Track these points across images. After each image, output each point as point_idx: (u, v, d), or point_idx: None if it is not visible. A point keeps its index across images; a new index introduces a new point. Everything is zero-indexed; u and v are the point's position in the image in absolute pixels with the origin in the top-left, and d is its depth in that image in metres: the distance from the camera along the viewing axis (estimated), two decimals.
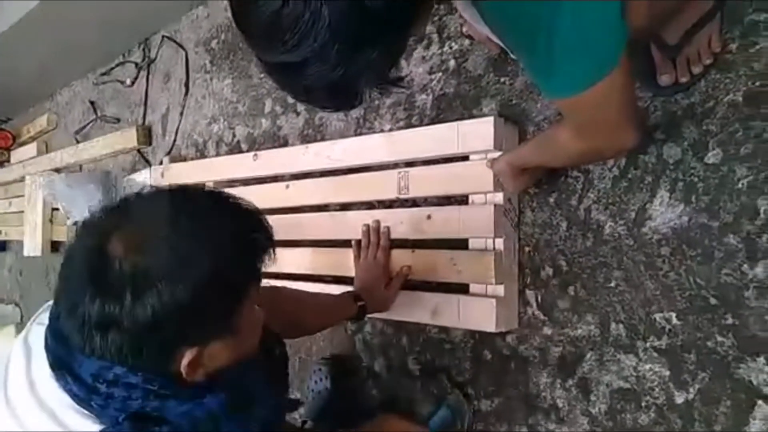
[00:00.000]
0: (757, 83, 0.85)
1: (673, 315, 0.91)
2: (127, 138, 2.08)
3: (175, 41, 1.97)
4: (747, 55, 0.86)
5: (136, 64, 2.14)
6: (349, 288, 1.13)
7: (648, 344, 0.93)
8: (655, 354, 0.92)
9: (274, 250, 0.60)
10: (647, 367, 0.93)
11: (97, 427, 0.53)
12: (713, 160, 0.89)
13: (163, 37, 2.01)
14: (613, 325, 0.97)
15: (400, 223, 1.16)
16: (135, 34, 2.10)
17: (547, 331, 1.04)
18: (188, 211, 0.56)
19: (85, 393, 0.53)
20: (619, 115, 0.67)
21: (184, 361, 0.54)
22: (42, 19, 1.91)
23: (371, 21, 0.51)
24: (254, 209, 0.61)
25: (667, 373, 0.91)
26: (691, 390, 0.89)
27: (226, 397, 0.57)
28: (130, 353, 0.52)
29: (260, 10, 0.51)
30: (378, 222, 1.20)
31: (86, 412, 0.54)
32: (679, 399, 0.90)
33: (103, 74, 2.32)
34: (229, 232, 0.57)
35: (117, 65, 2.25)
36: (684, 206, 0.91)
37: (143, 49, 2.11)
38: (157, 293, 0.50)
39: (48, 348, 0.57)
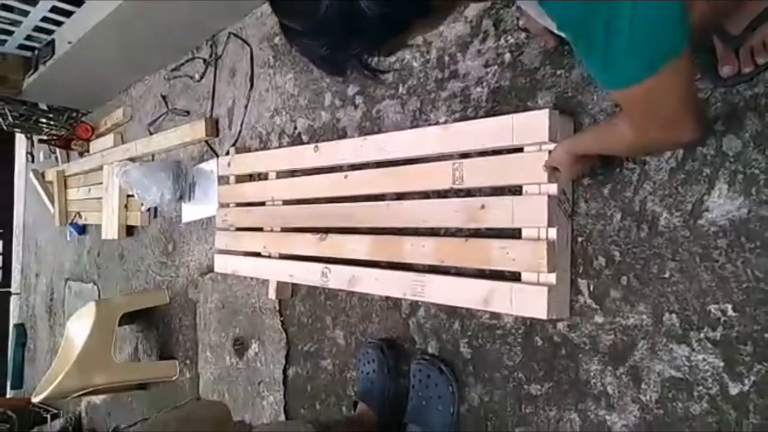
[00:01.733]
0: None
1: (729, 306, 0.91)
2: (196, 130, 2.21)
3: (240, 38, 2.07)
4: None
5: (204, 60, 2.26)
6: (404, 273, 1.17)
7: (702, 335, 0.93)
8: (710, 345, 0.93)
9: None
10: (700, 357, 0.93)
11: None
12: None
13: (229, 34, 2.12)
14: (666, 315, 0.98)
15: (454, 212, 1.20)
16: (203, 31, 2.22)
17: (599, 319, 1.06)
18: None
19: None
20: (678, 109, 0.66)
21: None
22: (118, 21, 2.06)
23: (362, 19, 0.58)
24: None
25: (722, 364, 0.91)
26: (746, 381, 0.89)
27: None
28: None
29: None
30: None
31: None
32: (734, 390, 0.90)
33: (174, 70, 2.46)
34: None
35: (186, 61, 2.39)
36: (743, 198, 0.91)
37: (211, 46, 2.23)
38: None
39: None
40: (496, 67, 1.26)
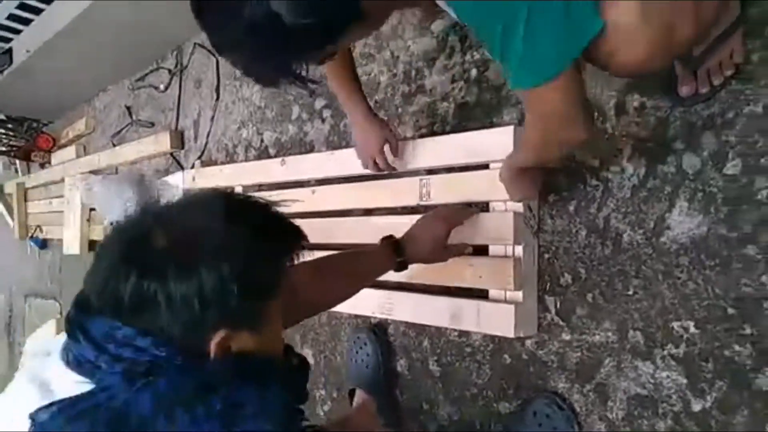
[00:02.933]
0: None
1: (691, 324, 0.92)
2: (161, 142, 2.17)
3: (206, 48, 2.04)
4: None
5: (170, 71, 2.22)
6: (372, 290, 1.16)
7: (665, 352, 0.94)
8: (673, 362, 0.93)
9: (301, 250, 0.65)
10: (664, 374, 0.94)
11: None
12: (732, 171, 0.89)
13: (195, 44, 2.08)
14: (630, 333, 0.98)
15: None
16: (168, 41, 2.18)
17: (566, 336, 1.06)
18: (225, 209, 0.60)
19: (94, 353, 0.56)
20: (568, 112, 0.69)
21: (214, 341, 0.56)
22: (80, 29, 2.00)
23: (283, 32, 0.58)
24: (285, 214, 0.65)
25: (685, 381, 0.92)
26: (708, 398, 0.90)
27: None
28: (162, 328, 0.54)
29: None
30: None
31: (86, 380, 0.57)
32: (696, 407, 0.91)
33: (138, 80, 2.41)
34: (263, 229, 0.61)
35: (151, 71, 2.34)
36: (703, 216, 0.92)
37: (176, 56, 2.19)
38: (198, 274, 0.54)
39: (67, 317, 0.60)
40: (462, 82, 1.26)
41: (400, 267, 1.00)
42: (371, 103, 1.43)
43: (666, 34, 0.63)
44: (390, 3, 0.74)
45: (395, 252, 0.99)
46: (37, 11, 2.10)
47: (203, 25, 0.66)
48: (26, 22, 2.19)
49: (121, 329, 0.55)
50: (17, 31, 2.28)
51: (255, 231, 0.59)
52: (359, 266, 1.00)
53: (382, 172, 1.24)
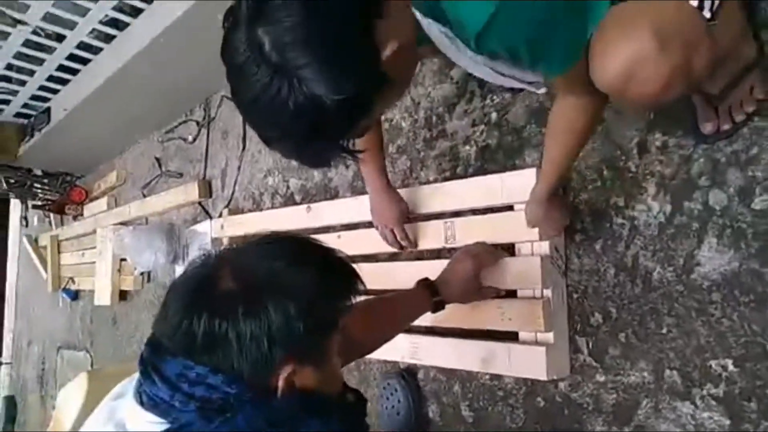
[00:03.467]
0: None
1: (729, 362, 0.90)
2: (189, 191, 2.23)
3: (233, 100, 2.11)
4: None
5: (198, 123, 2.31)
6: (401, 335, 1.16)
7: (705, 392, 0.92)
8: (713, 402, 0.91)
9: (359, 291, 0.68)
10: (705, 415, 0.91)
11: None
12: (761, 206, 0.89)
13: (222, 97, 2.17)
14: (667, 372, 0.96)
15: None
16: (196, 94, 2.27)
17: (600, 378, 1.04)
18: (289, 251, 0.65)
19: (168, 393, 0.58)
20: (583, 77, 0.74)
21: (282, 376, 0.59)
22: (114, 86, 2.10)
23: (325, 112, 0.62)
24: (345, 257, 0.69)
25: (728, 422, 0.89)
26: None
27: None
28: (233, 366, 0.57)
29: (242, 96, 0.65)
30: None
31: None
32: None
33: (167, 132, 2.51)
34: (324, 270, 0.65)
35: (180, 124, 2.43)
36: (734, 252, 0.91)
37: (204, 108, 2.28)
38: (267, 313, 0.57)
39: (141, 359, 0.63)
40: (483, 126, 1.29)
41: (437, 307, 1.04)
42: (394, 149, 1.47)
43: (681, 62, 0.66)
44: (409, 63, 0.77)
45: (431, 293, 1.03)
46: (74, 72, 2.22)
47: (251, 122, 0.69)
48: (64, 82, 2.32)
49: (194, 368, 0.57)
50: (56, 91, 2.41)
51: (317, 271, 0.63)
52: (400, 308, 1.04)
53: (400, 243, 1.28)
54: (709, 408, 0.91)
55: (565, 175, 0.95)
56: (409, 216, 1.29)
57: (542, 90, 0.99)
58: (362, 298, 0.99)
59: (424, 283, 1.05)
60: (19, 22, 1.74)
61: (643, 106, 0.80)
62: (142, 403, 0.61)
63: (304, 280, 0.61)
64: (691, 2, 0.67)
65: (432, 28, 0.75)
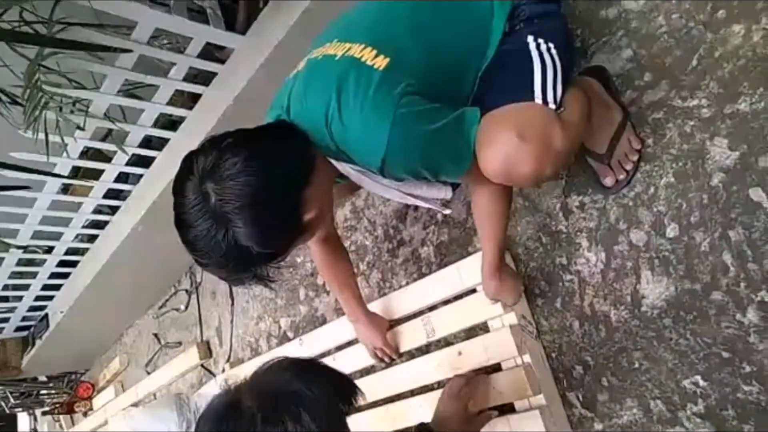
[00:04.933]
0: (680, 163, 1.02)
1: (699, 378, 0.98)
2: (191, 357, 2.30)
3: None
4: (663, 144, 1.05)
5: (187, 291, 2.44)
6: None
7: (688, 412, 0.98)
8: (699, 419, 0.97)
9: (360, 399, 0.80)
10: None
11: None
12: (673, 234, 1.03)
13: None
14: (652, 403, 1.03)
15: (437, 365, 1.28)
16: (180, 266, 2.43)
17: (598, 426, 1.09)
18: (299, 369, 0.77)
19: None
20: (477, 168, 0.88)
21: None
22: (103, 280, 2.25)
23: (250, 257, 0.79)
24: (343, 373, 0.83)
25: None
26: None
27: None
28: None
29: (185, 229, 0.81)
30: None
31: None
32: None
33: (160, 308, 2.63)
34: (330, 383, 0.78)
35: (170, 296, 2.56)
36: (667, 278, 1.03)
37: (189, 276, 2.43)
38: (284, 423, 0.68)
39: None
40: (433, 226, 1.44)
41: None
42: (365, 265, 1.61)
43: (541, 146, 0.84)
44: (324, 219, 0.93)
45: None
46: (66, 276, 2.39)
47: (188, 248, 0.85)
48: (57, 287, 2.47)
49: None
50: (51, 298, 2.55)
51: (323, 384, 0.75)
52: None
53: (389, 359, 1.41)
54: (697, 426, 0.97)
55: (502, 247, 1.08)
56: (391, 323, 1.40)
57: (447, 211, 1.18)
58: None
59: (422, 428, 1.09)
60: (10, 245, 1.93)
61: (529, 184, 0.95)
62: None
63: (311, 388, 0.73)
64: (537, 101, 0.86)
65: (345, 167, 0.92)
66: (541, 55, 0.90)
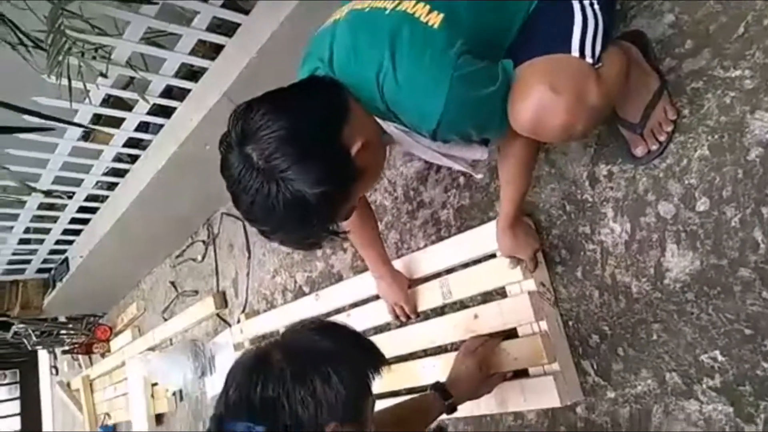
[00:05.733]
0: (716, 136, 0.99)
1: (717, 353, 0.98)
2: (206, 306, 2.35)
3: (232, 215, 2.29)
4: (699, 116, 1.01)
5: (204, 242, 2.47)
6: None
7: (704, 386, 0.99)
8: (714, 393, 0.98)
9: (385, 362, 0.81)
10: (710, 407, 0.98)
11: None
12: (703, 208, 1.01)
13: (221, 214, 2.35)
14: (667, 375, 1.04)
15: (452, 327, 1.29)
16: (198, 217, 2.45)
17: (611, 394, 1.11)
18: (328, 331, 0.79)
19: None
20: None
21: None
22: (122, 228, 2.29)
23: (309, 205, 0.76)
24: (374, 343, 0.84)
25: (731, 409, 0.96)
26: (758, 420, 0.93)
27: None
28: (287, 425, 0.68)
29: (242, 201, 0.79)
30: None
31: None
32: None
33: (178, 257, 2.67)
34: (356, 346, 0.79)
35: (188, 247, 2.60)
36: (693, 253, 1.02)
37: (207, 228, 2.45)
38: (312, 382, 0.69)
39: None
40: (454, 190, 1.43)
41: (450, 410, 1.10)
42: (383, 226, 1.61)
43: (573, 100, 0.82)
44: (376, 153, 0.91)
45: (443, 396, 1.10)
46: (86, 221, 2.42)
47: (249, 223, 0.83)
48: (78, 232, 2.51)
49: (254, 429, 0.68)
50: (71, 242, 2.60)
51: (350, 345, 0.78)
52: (417, 414, 1.11)
53: (405, 317, 1.42)
54: (711, 400, 0.98)
55: (520, 199, 1.08)
56: (410, 284, 1.40)
57: (479, 175, 1.15)
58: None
59: (436, 386, 1.12)
60: (33, 189, 1.95)
61: (558, 140, 0.93)
62: None
63: (341, 351, 0.75)
64: (573, 54, 0.83)
65: (389, 126, 0.90)
66: (583, 9, 0.87)
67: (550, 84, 0.81)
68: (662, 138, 1.05)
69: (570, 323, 1.19)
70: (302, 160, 0.75)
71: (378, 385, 1.43)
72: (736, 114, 0.97)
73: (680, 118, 1.04)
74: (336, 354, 0.74)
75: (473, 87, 0.81)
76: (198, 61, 1.56)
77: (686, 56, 1.03)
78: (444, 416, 1.11)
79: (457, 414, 1.27)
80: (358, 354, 0.77)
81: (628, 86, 1.01)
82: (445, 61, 0.79)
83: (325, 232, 0.83)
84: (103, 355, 3.40)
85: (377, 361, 0.80)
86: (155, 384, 2.70)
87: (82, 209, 2.30)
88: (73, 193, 2.16)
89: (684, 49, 1.03)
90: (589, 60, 0.84)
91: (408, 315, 1.42)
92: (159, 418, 2.77)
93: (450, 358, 1.30)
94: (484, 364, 1.15)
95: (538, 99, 0.81)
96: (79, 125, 1.68)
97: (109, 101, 1.70)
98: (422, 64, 0.79)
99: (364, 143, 0.81)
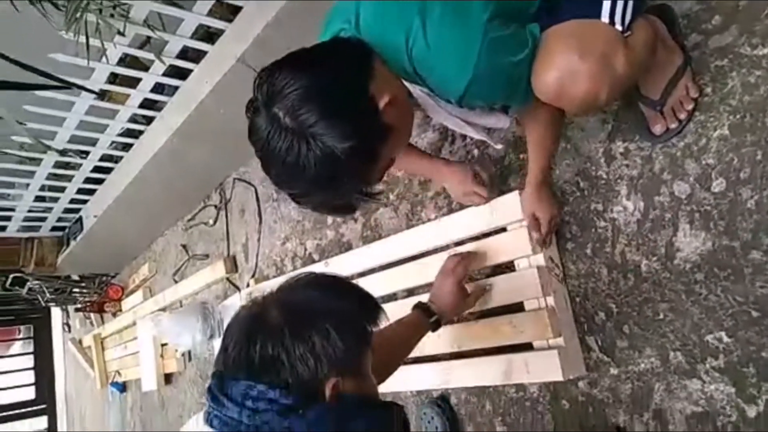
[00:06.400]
0: (738, 116, 0.98)
1: (723, 334, 0.98)
2: (217, 270, 2.38)
3: (244, 180, 2.30)
4: (722, 94, 1.00)
5: (216, 206, 2.49)
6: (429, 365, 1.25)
7: (708, 365, 0.99)
8: (717, 374, 0.98)
9: (382, 316, 0.81)
10: (713, 387, 0.98)
11: None
12: (719, 188, 1.00)
13: (234, 179, 2.36)
14: (671, 354, 1.04)
15: None
16: (211, 181, 2.47)
17: (614, 371, 1.12)
18: (323, 284, 0.78)
19: (237, 410, 0.68)
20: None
21: (328, 386, 0.70)
22: (136, 189, 2.31)
23: (340, 163, 0.74)
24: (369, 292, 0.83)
25: (733, 390, 0.96)
26: (760, 402, 0.93)
27: None
28: (287, 381, 0.68)
29: (272, 164, 0.78)
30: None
31: None
32: (751, 413, 0.94)
33: (189, 220, 2.69)
34: (354, 299, 0.79)
35: (200, 210, 2.62)
36: (705, 233, 1.01)
37: (219, 193, 2.47)
38: (311, 337, 0.69)
39: (209, 389, 0.73)
40: (468, 162, 1.42)
41: (435, 326, 1.16)
42: (394, 196, 1.61)
43: (600, 67, 0.80)
44: (404, 110, 0.88)
45: (427, 314, 1.16)
46: (100, 181, 2.44)
47: (280, 187, 0.83)
48: (92, 192, 2.54)
49: (255, 387, 0.68)
50: (85, 201, 2.63)
51: (347, 298, 0.77)
52: (405, 333, 1.16)
53: (486, 198, 1.28)
54: (714, 380, 0.98)
55: (548, 162, 1.09)
56: (416, 256, 1.39)
57: (500, 146, 1.13)
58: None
59: (419, 305, 1.17)
60: (49, 147, 1.96)
61: (580, 109, 0.92)
62: (212, 426, 0.71)
63: (338, 305, 0.75)
64: (603, 19, 0.82)
65: (415, 89, 0.90)
66: None
67: (576, 48, 0.80)
68: (682, 116, 1.04)
69: (577, 299, 1.19)
70: (330, 113, 0.74)
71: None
72: (760, 93, 0.95)
73: (702, 97, 1.02)
74: (333, 309, 0.73)
75: (503, 53, 0.81)
76: (215, 23, 1.55)
77: (713, 32, 1.01)
78: (430, 333, 1.17)
79: (461, 383, 1.30)
80: (355, 307, 0.77)
81: (653, 61, 0.99)
82: (476, 25, 0.78)
83: (357, 193, 0.83)
84: (114, 315, 3.47)
85: (374, 312, 0.80)
86: (165, 344, 2.76)
87: (96, 169, 2.32)
88: (88, 152, 2.17)
89: (711, 25, 1.01)
90: (618, 27, 0.83)
91: (482, 194, 1.26)
92: (168, 378, 2.84)
93: (455, 328, 1.32)
94: (464, 280, 1.20)
95: (564, 64, 0.80)
96: (91, 91, 1.68)
97: (125, 60, 1.70)
98: (453, 27, 0.79)
99: (392, 99, 0.80)
